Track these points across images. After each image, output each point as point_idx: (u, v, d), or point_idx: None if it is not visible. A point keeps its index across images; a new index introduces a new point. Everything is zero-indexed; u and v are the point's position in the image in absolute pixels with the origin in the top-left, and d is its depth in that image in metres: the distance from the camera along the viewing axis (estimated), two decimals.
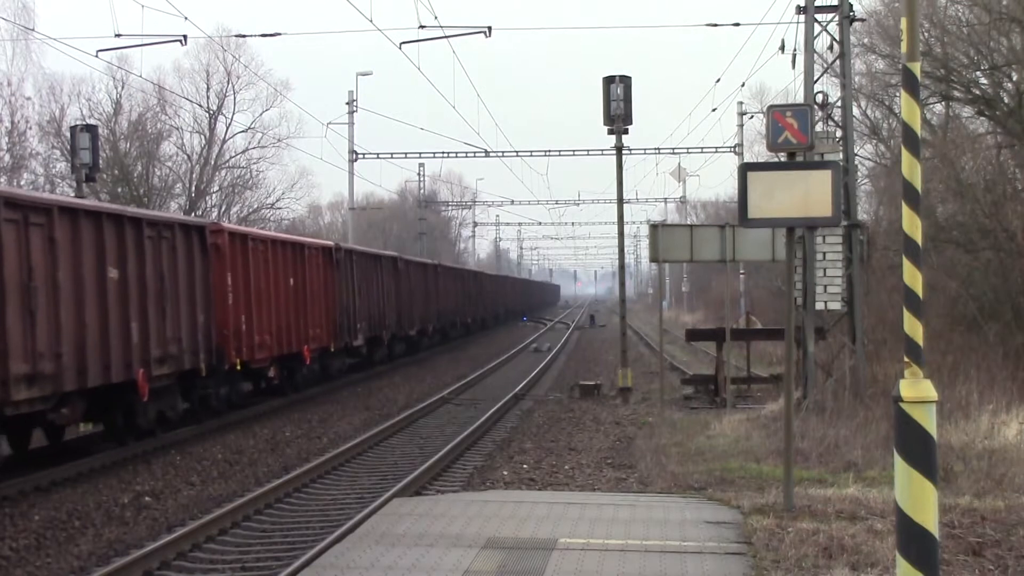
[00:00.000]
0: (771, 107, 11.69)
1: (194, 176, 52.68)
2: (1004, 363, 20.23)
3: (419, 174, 63.63)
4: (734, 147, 49.42)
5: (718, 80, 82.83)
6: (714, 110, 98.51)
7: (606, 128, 24.84)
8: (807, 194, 10.90)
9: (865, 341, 20.36)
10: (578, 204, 75.74)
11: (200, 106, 53.44)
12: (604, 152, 47.25)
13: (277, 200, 58.12)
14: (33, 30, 40.35)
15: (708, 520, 10.86)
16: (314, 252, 27.60)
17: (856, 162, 22.75)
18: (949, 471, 12.55)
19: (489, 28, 28.55)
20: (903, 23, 7.25)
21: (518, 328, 69.80)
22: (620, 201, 26.10)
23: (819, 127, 20.11)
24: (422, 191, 66.36)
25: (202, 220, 22.14)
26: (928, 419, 6.96)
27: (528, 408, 23.88)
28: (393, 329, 36.08)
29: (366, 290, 32.42)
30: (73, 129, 29.62)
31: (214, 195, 54.37)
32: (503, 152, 49.60)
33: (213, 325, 20.44)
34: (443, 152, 51.46)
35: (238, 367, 21.66)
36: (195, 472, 16.14)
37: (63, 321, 15.13)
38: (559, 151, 52.16)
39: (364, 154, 48.60)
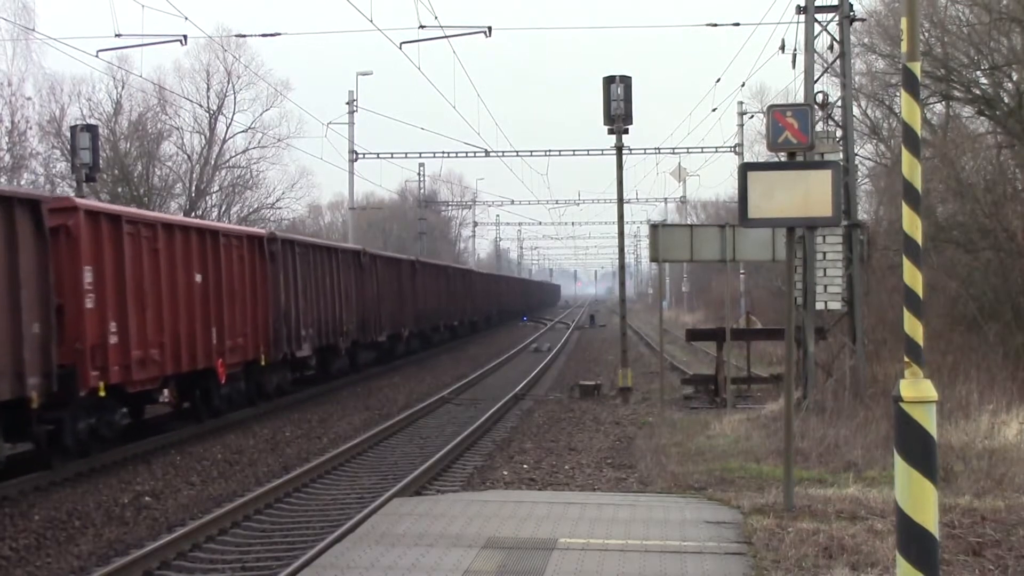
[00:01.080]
0: (771, 107, 11.69)
1: (194, 176, 52.71)
2: (1004, 363, 20.23)
3: (419, 174, 63.73)
4: (734, 147, 49.44)
5: (718, 80, 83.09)
6: (714, 110, 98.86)
7: (606, 128, 24.86)
8: (807, 194, 10.90)
9: (865, 341, 20.36)
10: (578, 204, 76.07)
11: (200, 106, 53.54)
12: (604, 152, 47.34)
13: (277, 200, 58.24)
14: (33, 30, 40.47)
15: (708, 520, 10.85)
16: (235, 242, 21.97)
17: (856, 162, 22.75)
18: (949, 471, 12.55)
19: (489, 28, 28.58)
20: (903, 23, 7.25)
21: (514, 330, 67.37)
22: (620, 201, 26.11)
23: (819, 127, 20.12)
24: (422, 191, 66.40)
25: (37, 192, 16.14)
26: (928, 419, 6.96)
27: (528, 408, 23.88)
28: (354, 335, 30.48)
29: (315, 289, 26.91)
30: (73, 129, 29.65)
31: (214, 195, 54.44)
32: (503, 152, 49.69)
33: (55, 338, 15.06)
34: (443, 152, 51.57)
35: (101, 392, 16.18)
36: (195, 472, 16.14)
37: None
38: (559, 151, 52.22)
39: (364, 154, 48.64)
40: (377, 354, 34.78)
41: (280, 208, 58.61)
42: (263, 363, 23.13)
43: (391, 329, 35.42)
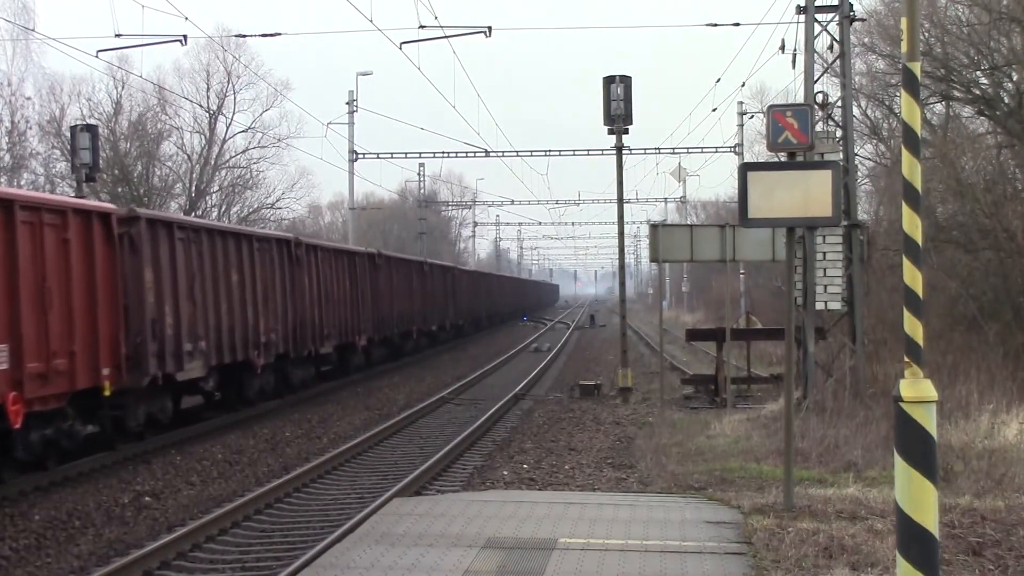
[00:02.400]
0: (771, 107, 11.70)
1: (194, 176, 52.74)
2: (1004, 363, 20.22)
3: (419, 174, 63.65)
4: (734, 147, 49.43)
5: (718, 80, 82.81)
6: (714, 110, 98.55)
7: (606, 128, 24.87)
8: (807, 194, 10.90)
9: (865, 341, 20.36)
10: (578, 204, 75.99)
11: (200, 106, 53.59)
12: (604, 152, 47.26)
13: (277, 200, 58.29)
14: (33, 30, 40.51)
15: (708, 520, 10.86)
16: (49, 219, 15.13)
17: (856, 162, 22.76)
18: (949, 471, 12.55)
19: (489, 28, 28.56)
20: (903, 23, 7.25)
21: (511, 332, 64.58)
22: (620, 201, 26.11)
23: (819, 127, 20.12)
24: (422, 191, 66.37)
25: None
26: (928, 419, 6.96)
27: (528, 408, 23.89)
28: (281, 347, 24.02)
29: (213, 289, 20.50)
30: (73, 129, 29.65)
31: (214, 195, 54.48)
32: (503, 152, 49.67)
33: None
34: (443, 152, 51.49)
35: None
36: (195, 472, 16.14)
37: None
38: (559, 151, 52.19)
39: (364, 154, 48.63)
40: (321, 368, 28.97)
41: (280, 208, 58.73)
42: (107, 392, 16.32)
43: (340, 338, 29.12)
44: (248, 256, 22.48)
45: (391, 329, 35.43)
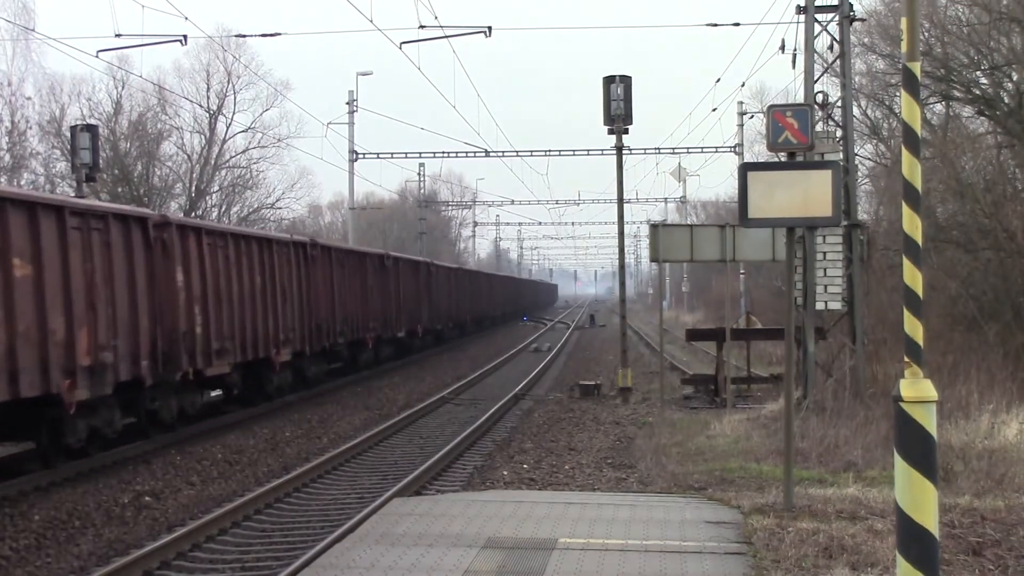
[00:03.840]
0: (771, 107, 11.70)
1: (194, 176, 52.74)
2: (1004, 363, 20.20)
3: (419, 174, 63.69)
4: (734, 147, 49.44)
5: (718, 80, 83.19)
6: (714, 110, 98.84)
7: (606, 128, 24.88)
8: (807, 194, 10.90)
9: (865, 341, 20.36)
10: (578, 204, 75.99)
11: (200, 106, 53.60)
12: (604, 152, 47.33)
13: (277, 200, 58.31)
14: (33, 30, 40.54)
15: (708, 520, 10.85)
16: None
17: (856, 162, 22.75)
18: (949, 471, 12.55)
19: (489, 28, 28.58)
20: (903, 23, 7.25)
21: (507, 335, 62.52)
22: (620, 201, 26.11)
23: (819, 127, 20.11)
24: (422, 191, 66.38)
25: None
26: (928, 419, 6.96)
27: (528, 408, 23.88)
28: (125, 372, 16.82)
29: None
30: (73, 129, 29.64)
31: (214, 195, 54.48)
32: (503, 152, 49.73)
33: None
34: (443, 152, 51.55)
35: None
36: (195, 472, 16.14)
37: None
38: (559, 151, 52.24)
39: (364, 154, 48.65)
40: (226, 394, 22.59)
41: (280, 208, 58.75)
42: None
43: (245, 353, 21.87)
44: (56, 240, 15.17)
45: (333, 338, 28.27)
